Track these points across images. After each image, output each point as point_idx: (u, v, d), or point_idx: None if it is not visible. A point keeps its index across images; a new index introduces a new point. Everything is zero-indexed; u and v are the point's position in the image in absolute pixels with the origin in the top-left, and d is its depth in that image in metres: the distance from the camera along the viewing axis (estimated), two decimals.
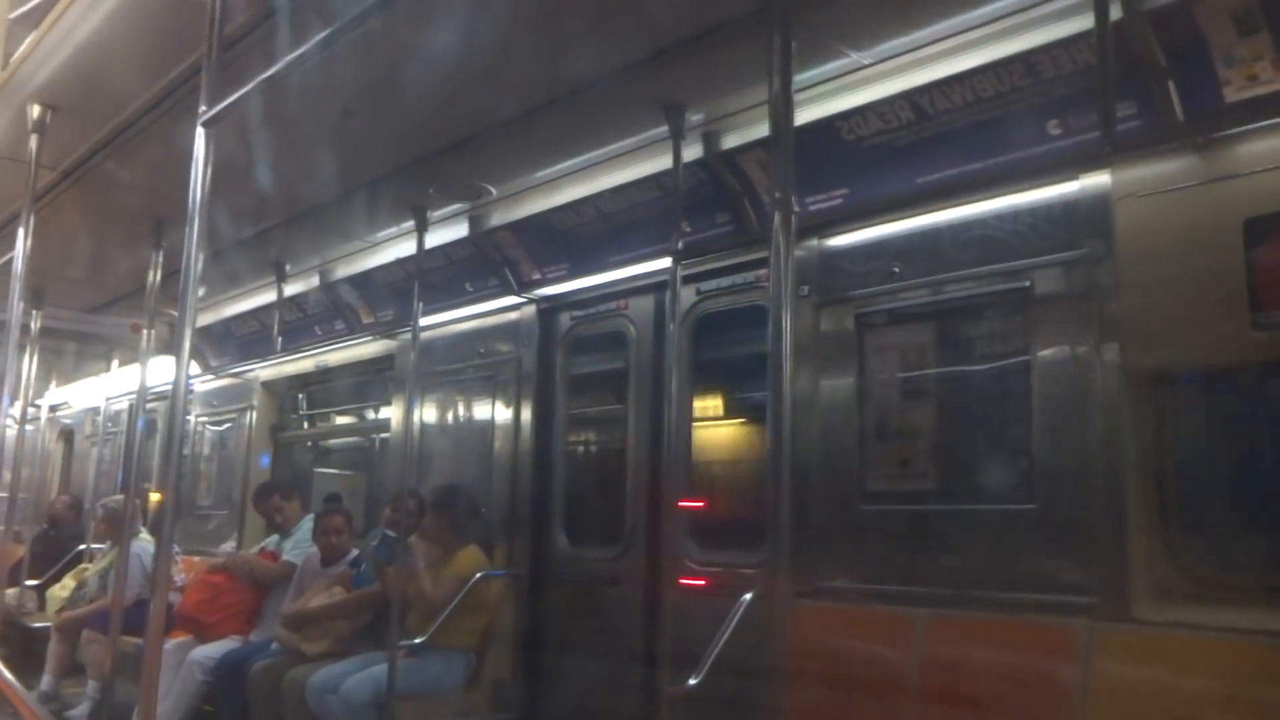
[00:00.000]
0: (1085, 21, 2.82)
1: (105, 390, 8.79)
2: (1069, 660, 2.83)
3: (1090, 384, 3.03)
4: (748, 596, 3.35)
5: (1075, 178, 3.12)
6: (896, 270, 3.57)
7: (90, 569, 7.06)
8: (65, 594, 7.03)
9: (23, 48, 3.67)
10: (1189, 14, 2.71)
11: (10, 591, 6.78)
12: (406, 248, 5.39)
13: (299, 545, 5.56)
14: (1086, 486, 2.99)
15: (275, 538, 5.86)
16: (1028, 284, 3.23)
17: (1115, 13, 2.74)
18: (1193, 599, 2.76)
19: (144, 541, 6.12)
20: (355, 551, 5.24)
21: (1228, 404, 2.97)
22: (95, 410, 9.19)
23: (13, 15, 4.26)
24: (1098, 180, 3.06)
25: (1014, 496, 3.17)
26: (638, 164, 4.25)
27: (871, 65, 3.40)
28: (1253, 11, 2.61)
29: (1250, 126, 2.76)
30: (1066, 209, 3.16)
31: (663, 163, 4.00)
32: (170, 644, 5.16)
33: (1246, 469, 2.93)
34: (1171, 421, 2.94)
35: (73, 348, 8.63)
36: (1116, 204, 3.00)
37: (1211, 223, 2.79)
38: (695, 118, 3.87)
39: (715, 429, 4.58)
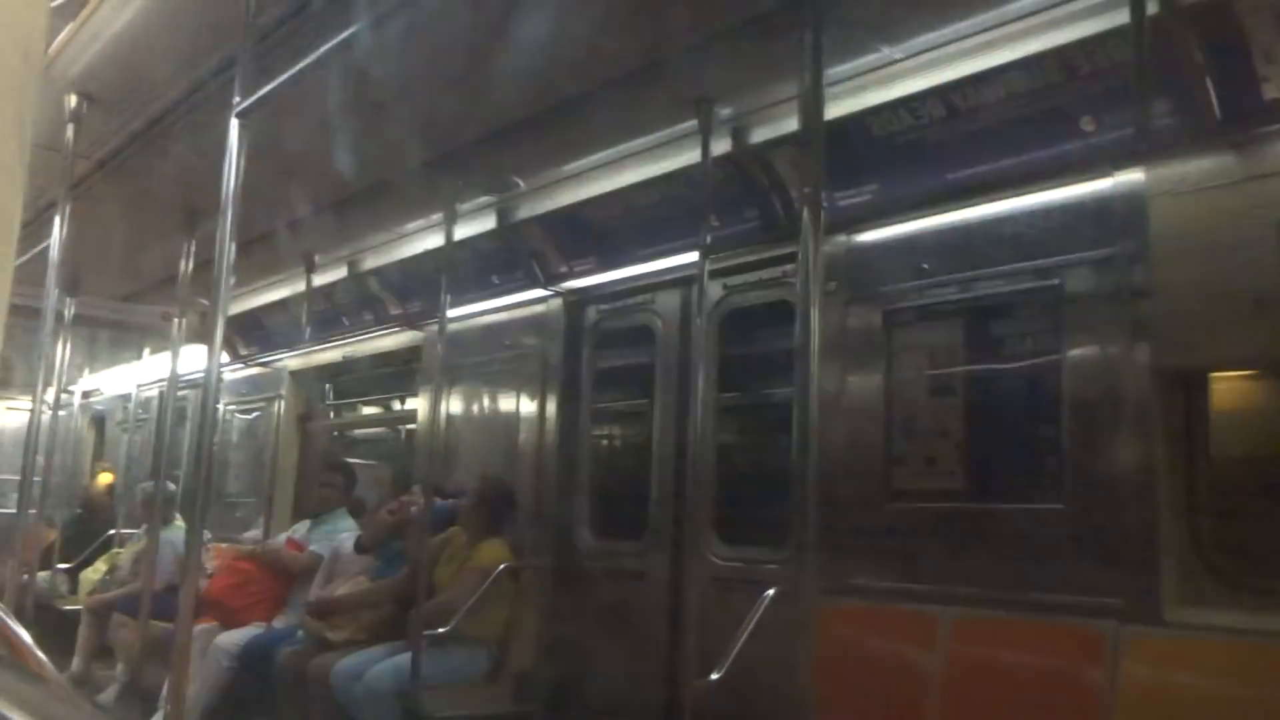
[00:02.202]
0: (1121, 17, 2.78)
1: (136, 378, 8.89)
2: (1096, 662, 2.81)
3: (1122, 383, 3.00)
4: (770, 592, 3.35)
5: (1109, 175, 3.09)
6: (925, 267, 3.55)
7: (122, 553, 7.15)
8: (97, 577, 7.13)
9: (60, 38, 3.71)
10: (1229, 10, 2.67)
11: (42, 574, 6.88)
12: (434, 240, 5.41)
13: (328, 535, 5.59)
14: (1116, 487, 2.97)
15: (305, 524, 5.90)
16: (1058, 282, 3.20)
17: (1152, 8, 2.71)
18: (1224, 602, 2.73)
19: (175, 528, 6.19)
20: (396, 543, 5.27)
21: (1262, 405, 2.94)
22: (126, 397, 9.29)
23: (51, 6, 4.31)
24: (1132, 178, 3.03)
25: (1042, 496, 3.15)
26: (666, 158, 4.24)
27: (903, 60, 3.37)
28: None
29: None
30: (1099, 207, 3.13)
31: (691, 157, 3.99)
32: (196, 629, 5.22)
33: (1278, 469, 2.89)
34: (1204, 422, 2.91)
35: (105, 335, 8.72)
36: (1151, 202, 2.97)
37: (1248, 222, 2.76)
38: (725, 112, 3.86)
39: (741, 424, 4.57)
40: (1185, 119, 2.89)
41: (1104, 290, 3.09)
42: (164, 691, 4.91)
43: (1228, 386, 2.91)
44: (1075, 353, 3.13)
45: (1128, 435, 2.96)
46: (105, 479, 8.88)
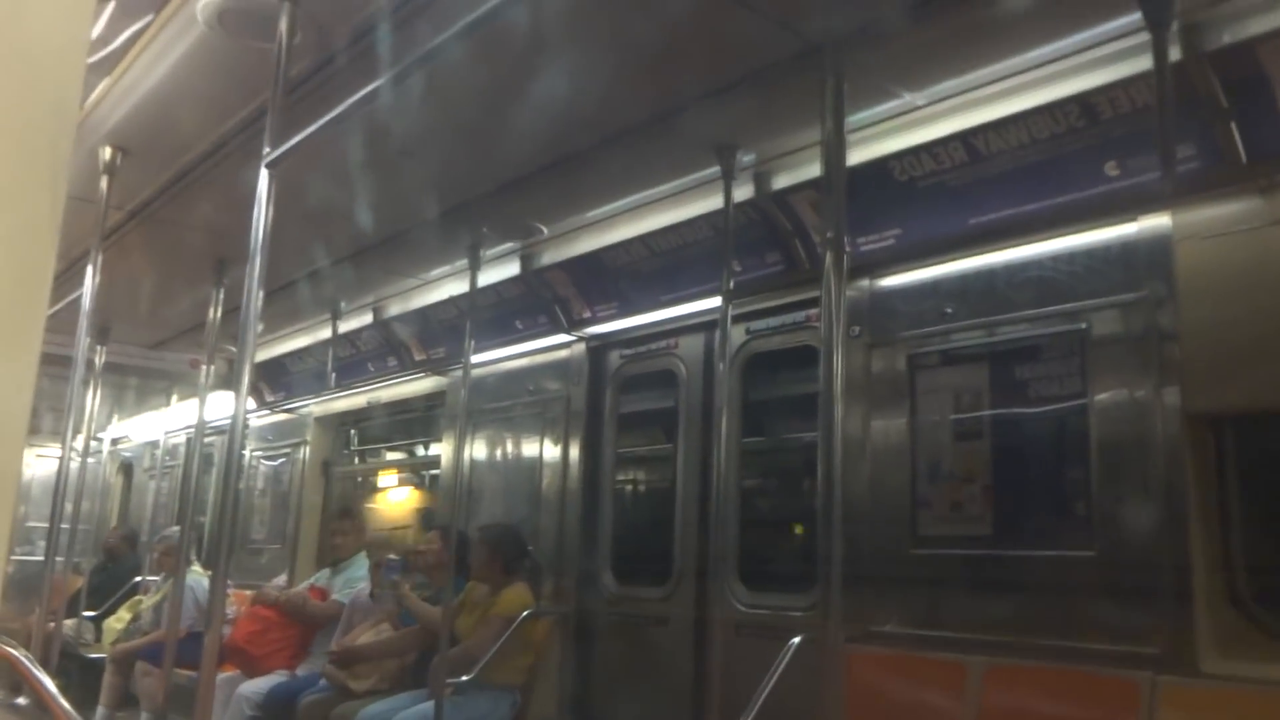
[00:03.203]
0: (1144, 62, 2.79)
1: (164, 424, 8.96)
2: (1131, 713, 2.75)
3: (1151, 427, 2.96)
4: (796, 640, 3.31)
5: (1134, 219, 3.08)
6: (949, 311, 3.54)
7: (145, 601, 7.16)
8: (121, 625, 7.14)
9: (96, 92, 3.80)
10: (1252, 53, 2.67)
11: (69, 623, 6.90)
12: (459, 286, 5.46)
13: (349, 583, 5.58)
14: (1147, 533, 2.92)
15: (326, 573, 5.90)
16: (1085, 326, 3.18)
17: (1174, 53, 2.72)
18: (1261, 652, 2.66)
19: (197, 574, 6.20)
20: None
21: None
22: (154, 444, 9.36)
23: (88, 61, 4.42)
24: (1158, 222, 3.02)
25: (1071, 542, 3.10)
26: (689, 204, 4.28)
27: (925, 106, 3.39)
28: None
29: None
30: (1125, 250, 3.11)
31: (714, 202, 4.02)
32: (221, 677, 5.21)
33: None
34: (1235, 466, 2.87)
35: (134, 382, 8.81)
36: (1178, 246, 2.95)
37: (1275, 265, 2.73)
38: (747, 158, 3.89)
39: (765, 468, 4.55)
40: (1210, 163, 2.88)
41: (1131, 333, 3.07)
42: None
43: (1260, 430, 2.87)
44: (1103, 396, 3.10)
45: (1159, 480, 2.92)
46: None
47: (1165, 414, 2.93)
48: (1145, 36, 2.74)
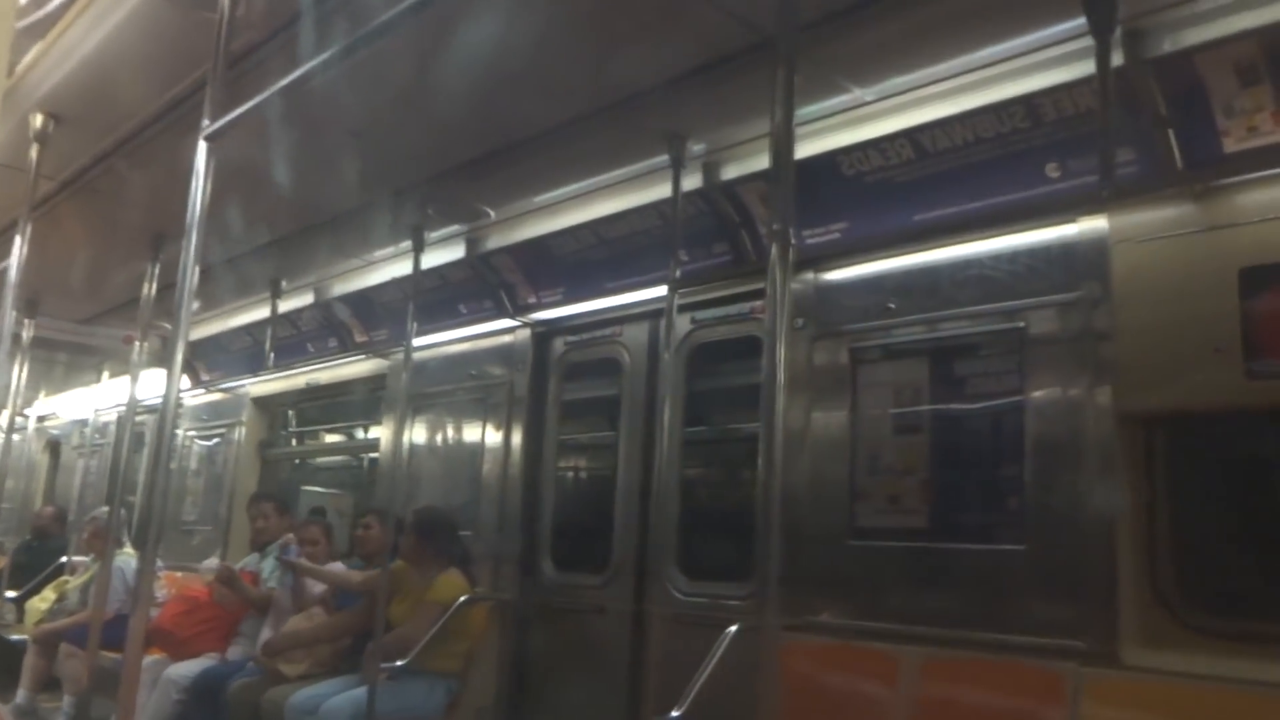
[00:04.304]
0: (1087, 67, 2.84)
1: (94, 402, 8.74)
2: (1057, 704, 2.81)
3: (1084, 425, 3.03)
4: (733, 628, 3.33)
5: (1073, 221, 3.14)
6: (892, 306, 3.58)
7: (71, 582, 6.99)
8: (45, 606, 6.95)
9: (28, 57, 3.68)
10: (1191, 63, 2.73)
11: None
12: (402, 267, 5.39)
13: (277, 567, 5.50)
14: (1077, 529, 2.98)
15: (254, 557, 5.80)
16: (1023, 324, 3.24)
17: (1117, 59, 2.77)
18: (1183, 645, 2.74)
19: (127, 555, 6.06)
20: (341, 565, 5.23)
21: (1220, 450, 2.98)
22: (83, 422, 9.13)
23: (20, 25, 4.27)
24: (1095, 224, 3.08)
25: (1004, 537, 3.16)
26: (637, 192, 4.26)
27: (874, 102, 3.42)
28: (1255, 63, 2.63)
29: (1248, 177, 2.78)
30: (1064, 251, 3.18)
31: (662, 191, 4.01)
32: (147, 660, 5.10)
33: (1237, 515, 2.93)
34: (1164, 466, 2.94)
35: (63, 358, 8.58)
36: (1114, 248, 3.02)
37: (1208, 270, 2.81)
38: (696, 148, 3.89)
39: (706, 458, 4.57)
40: (1148, 168, 2.94)
41: (1067, 333, 3.13)
42: None
43: (1188, 431, 2.95)
44: (1038, 394, 3.17)
45: (1089, 477, 2.99)
46: None
47: (1098, 413, 3.00)
48: (1089, 41, 2.78)
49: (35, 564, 7.74)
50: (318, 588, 5.09)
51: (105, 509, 6.79)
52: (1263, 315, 2.71)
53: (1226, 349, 2.73)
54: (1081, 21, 2.78)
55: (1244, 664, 2.58)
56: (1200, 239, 2.85)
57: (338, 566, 5.20)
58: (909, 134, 3.40)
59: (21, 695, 6.21)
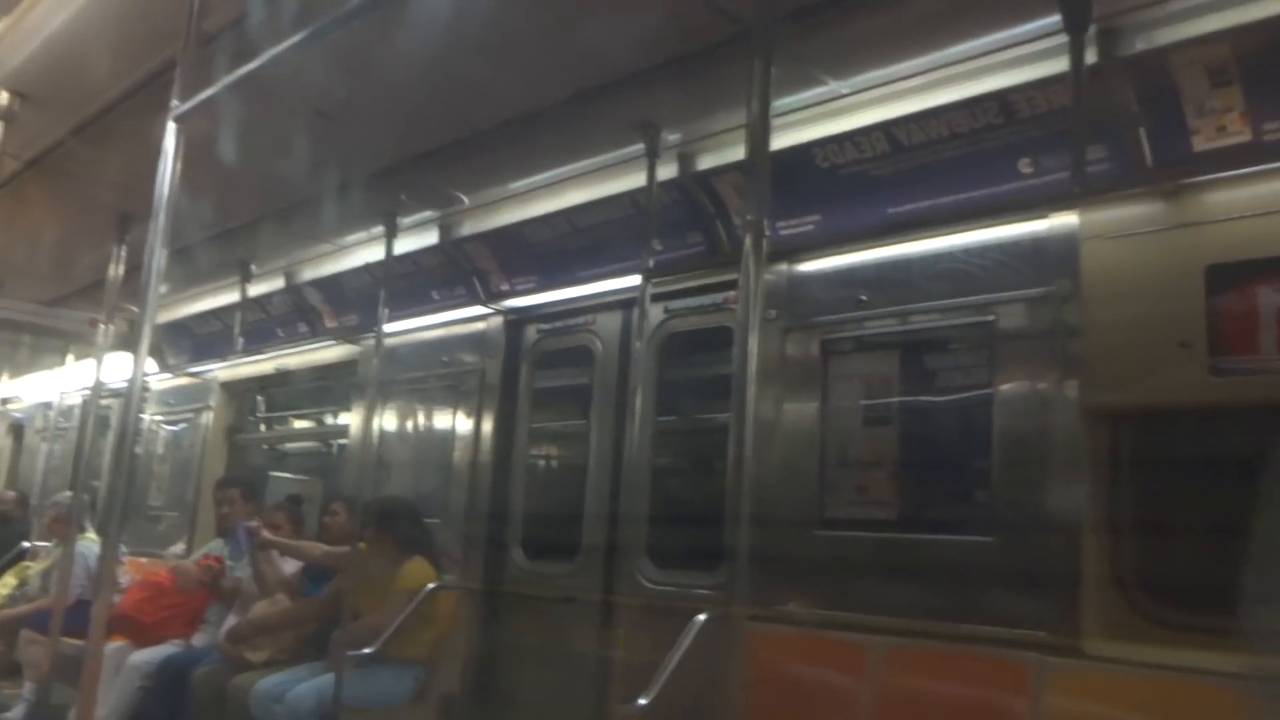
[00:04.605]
0: (1061, 64, 2.86)
1: (59, 385, 8.62)
2: (1020, 694, 2.85)
3: (1051, 420, 3.06)
4: (701, 617, 3.34)
5: (1044, 217, 3.17)
6: (864, 299, 3.59)
7: (33, 568, 6.90)
8: (5, 592, 6.86)
9: None
10: (1164, 63, 2.76)
11: None
12: (374, 253, 5.35)
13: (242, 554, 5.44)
14: (1042, 522, 3.02)
15: (219, 543, 5.74)
16: (993, 318, 3.26)
17: (1091, 57, 2.79)
18: (1144, 637, 2.78)
19: (89, 541, 5.99)
20: None
21: (1184, 446, 3.01)
22: (47, 405, 9.01)
23: None
24: (1066, 220, 3.11)
25: (971, 529, 3.19)
26: (612, 180, 4.25)
27: (849, 95, 3.42)
28: (1227, 64, 2.66)
29: (1217, 176, 2.81)
30: (1034, 247, 3.20)
31: (637, 180, 4.01)
32: (110, 647, 5.04)
33: (1199, 510, 2.96)
34: (1128, 461, 2.97)
35: (27, 340, 8.45)
36: (1084, 244, 3.04)
37: (1175, 268, 2.84)
38: (672, 137, 3.89)
39: (677, 448, 4.57)
40: (1119, 166, 2.97)
41: (1036, 328, 3.15)
42: (73, 712, 4.74)
43: (1152, 427, 2.98)
44: (1007, 388, 3.19)
45: (1055, 471, 3.02)
46: None
47: (1065, 408, 3.03)
48: (1064, 39, 2.80)
49: None
50: (289, 566, 5.05)
51: (68, 494, 6.71)
52: (1228, 313, 2.75)
53: (1192, 346, 2.77)
54: (1056, 19, 2.80)
55: (1203, 655, 2.61)
56: (1169, 236, 2.88)
57: None
58: (884, 127, 3.41)
59: None
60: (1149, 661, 2.69)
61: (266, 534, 4.97)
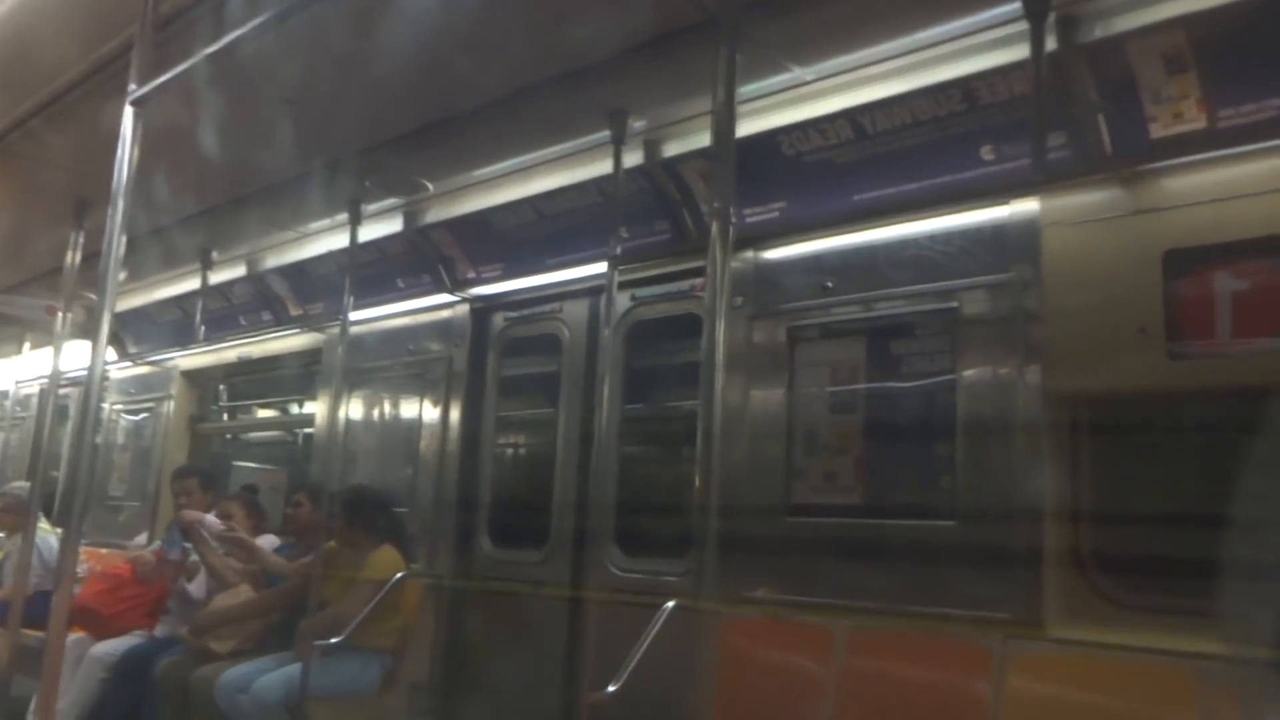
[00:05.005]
0: (1022, 51, 2.89)
1: (15, 373, 8.48)
2: (983, 675, 2.89)
3: (1013, 405, 3.09)
4: (670, 604, 3.35)
5: (1006, 203, 3.20)
6: (830, 285, 3.61)
7: None
8: None
9: None
10: (1121, 50, 2.79)
11: None
12: (339, 240, 5.30)
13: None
14: (1005, 505, 3.06)
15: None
16: (956, 305, 3.29)
17: (1051, 44, 2.82)
18: (1105, 619, 2.83)
19: (44, 531, 5.90)
20: (275, 541, 5.15)
21: (1142, 430, 3.06)
22: (3, 394, 8.86)
23: None
24: (1027, 207, 3.14)
25: (935, 513, 3.23)
26: (578, 168, 4.24)
27: (814, 82, 3.43)
28: (1182, 51, 2.70)
29: (1173, 162, 2.85)
30: (996, 233, 3.23)
31: (603, 168, 4.00)
32: (72, 638, 4.98)
33: (1157, 493, 3.02)
34: (1089, 446, 3.02)
35: None
36: (1044, 231, 3.08)
37: (1134, 254, 2.88)
38: (638, 124, 3.88)
39: (645, 435, 4.59)
40: (1078, 153, 3.01)
41: (999, 314, 3.19)
42: (33, 705, 4.67)
43: (1113, 411, 3.03)
44: (970, 373, 3.23)
45: (1017, 455, 3.06)
46: None
47: (1027, 393, 3.07)
48: (1024, 25, 2.83)
49: None
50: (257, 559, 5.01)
51: (20, 484, 6.61)
52: (1185, 298, 2.79)
53: (1150, 331, 2.81)
54: (1017, 6, 2.83)
55: (1161, 636, 2.67)
56: (1128, 223, 2.92)
57: (268, 541, 5.13)
58: (848, 114, 3.43)
59: None
60: (1109, 643, 2.74)
61: (211, 526, 4.90)
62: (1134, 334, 2.84)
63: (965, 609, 3.03)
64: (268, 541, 5.13)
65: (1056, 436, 3.02)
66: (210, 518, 5.05)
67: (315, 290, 5.95)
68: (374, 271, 5.29)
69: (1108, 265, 2.93)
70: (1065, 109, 2.92)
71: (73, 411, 7.57)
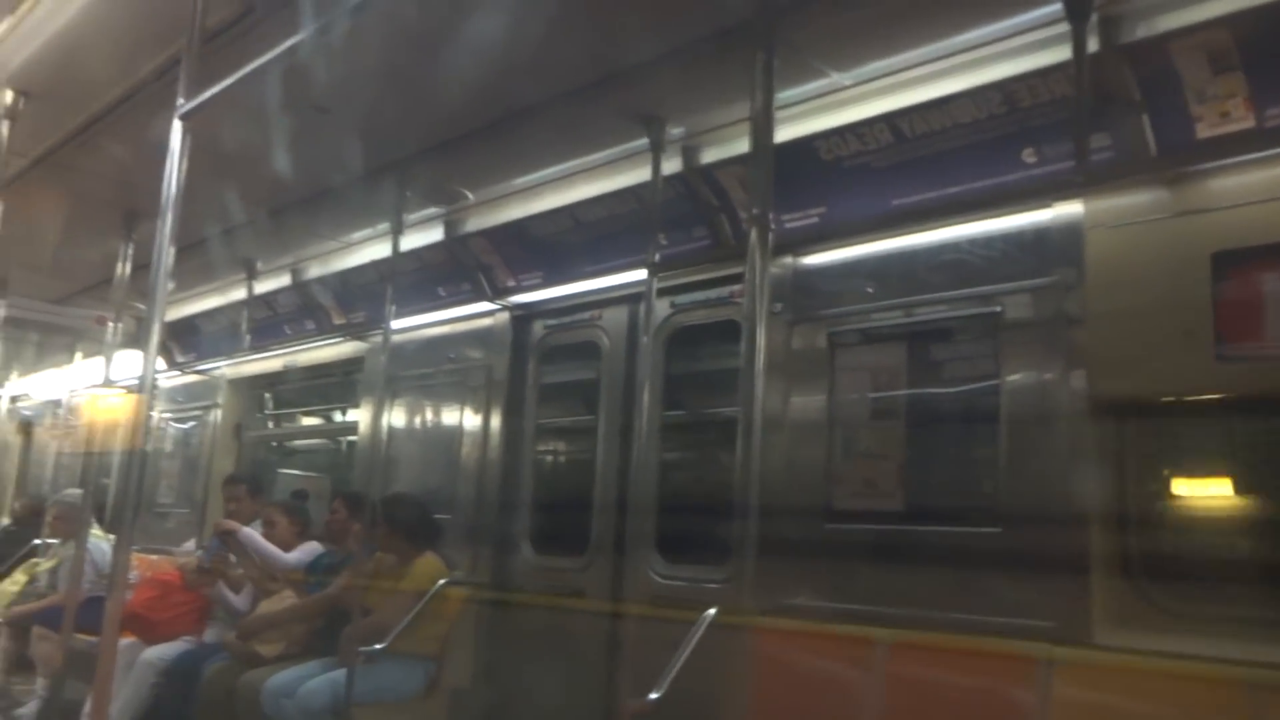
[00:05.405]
0: (1063, 52, 2.86)
1: (68, 382, 8.66)
2: (1029, 683, 2.85)
3: (1058, 410, 3.05)
4: (711, 612, 3.35)
5: (1048, 206, 3.16)
6: (870, 290, 3.59)
7: (41, 565, 6.93)
8: (15, 589, 6.90)
9: None
10: (1165, 49, 2.75)
11: None
12: (380, 249, 5.36)
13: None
14: (1051, 512, 3.01)
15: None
16: (999, 309, 3.25)
17: (1092, 45, 2.79)
18: (1152, 626, 2.78)
19: (97, 537, 6.01)
20: (318, 548, 5.21)
21: (1190, 434, 3.01)
22: (56, 403, 9.05)
23: None
24: (1070, 209, 3.10)
25: (979, 520, 3.19)
26: (616, 175, 4.25)
27: (852, 86, 3.42)
28: (1228, 50, 2.66)
29: (1220, 163, 2.81)
30: (1039, 236, 3.19)
31: (641, 175, 4.01)
32: (123, 643, 5.07)
33: (1205, 498, 2.96)
34: (1135, 451, 2.97)
35: (35, 338, 8.49)
36: (1088, 233, 3.04)
37: (1180, 256, 2.83)
38: (675, 131, 3.88)
39: (685, 442, 4.58)
40: (1122, 154, 2.97)
41: (1042, 318, 3.15)
42: (86, 707, 4.76)
43: (1159, 414, 2.98)
44: (1013, 378, 3.19)
45: (1063, 461, 3.02)
46: None
47: (1072, 397, 3.02)
48: (1065, 27, 2.80)
49: (6, 549, 7.68)
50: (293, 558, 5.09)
51: (74, 491, 6.74)
52: (1233, 300, 2.74)
53: (1197, 333, 2.76)
54: (1058, 7, 2.80)
55: (1210, 643, 2.62)
56: (1173, 224, 2.87)
57: (309, 548, 5.19)
58: (887, 119, 3.41)
59: None
60: (1157, 650, 2.69)
61: (244, 535, 4.99)
62: (1181, 337, 2.79)
63: (1010, 616, 2.98)
64: (309, 549, 5.19)
65: (1102, 441, 2.97)
66: (245, 528, 5.13)
67: (358, 299, 6.02)
68: (415, 280, 5.34)
69: (1154, 268, 2.89)
70: (1108, 110, 2.88)
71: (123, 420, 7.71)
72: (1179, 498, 2.98)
